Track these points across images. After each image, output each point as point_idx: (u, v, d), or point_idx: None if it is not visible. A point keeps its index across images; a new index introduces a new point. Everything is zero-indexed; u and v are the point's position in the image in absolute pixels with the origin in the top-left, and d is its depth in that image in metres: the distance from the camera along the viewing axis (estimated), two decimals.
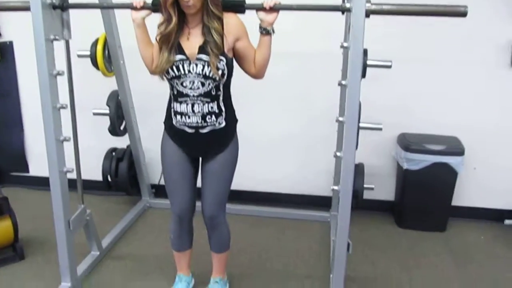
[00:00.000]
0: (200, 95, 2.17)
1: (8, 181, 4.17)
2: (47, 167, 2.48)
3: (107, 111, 3.31)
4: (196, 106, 2.19)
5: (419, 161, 3.25)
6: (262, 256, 3.08)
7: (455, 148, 3.26)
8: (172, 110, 2.26)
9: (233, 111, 2.32)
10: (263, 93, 3.49)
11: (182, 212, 2.45)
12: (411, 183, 3.37)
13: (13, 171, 4.19)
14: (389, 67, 2.48)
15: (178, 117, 2.24)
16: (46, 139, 2.45)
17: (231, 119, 2.30)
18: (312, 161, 3.68)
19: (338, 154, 2.28)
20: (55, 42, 2.37)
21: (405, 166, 3.29)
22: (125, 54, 3.19)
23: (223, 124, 2.25)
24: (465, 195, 3.54)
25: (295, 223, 3.52)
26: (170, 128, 2.32)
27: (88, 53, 2.95)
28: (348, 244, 2.38)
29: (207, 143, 2.28)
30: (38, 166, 4.12)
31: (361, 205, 3.26)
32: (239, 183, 3.54)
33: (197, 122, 2.21)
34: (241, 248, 3.12)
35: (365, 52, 2.31)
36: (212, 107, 2.20)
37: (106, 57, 3.05)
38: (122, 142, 3.62)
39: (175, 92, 2.21)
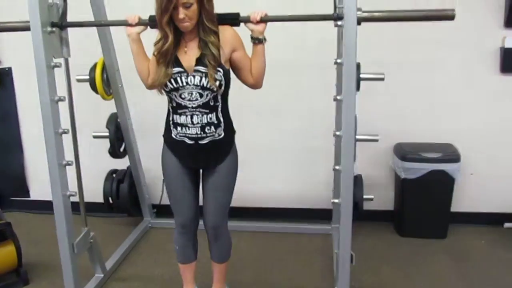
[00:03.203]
0: (198, 106, 2.21)
1: (10, 206, 4.16)
2: (49, 191, 2.51)
3: (107, 134, 3.34)
4: (195, 117, 2.22)
5: (416, 170, 3.30)
6: (265, 272, 3.10)
7: (451, 155, 3.31)
8: (172, 122, 2.30)
9: (231, 122, 2.37)
10: (259, 107, 3.56)
11: (185, 222, 2.47)
12: (409, 192, 3.41)
13: (14, 196, 4.20)
14: (382, 79, 2.51)
15: (179, 128, 2.27)
16: (49, 163, 2.49)
17: (230, 130, 2.34)
18: (311, 175, 3.71)
19: (337, 167, 2.32)
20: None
21: (403, 175, 3.34)
22: (122, 74, 3.21)
23: (222, 134, 2.29)
24: (464, 201, 3.58)
25: (297, 237, 3.54)
26: (169, 140, 2.35)
27: (87, 77, 2.96)
28: (352, 256, 2.41)
29: (207, 154, 2.32)
30: (39, 190, 4.13)
31: (361, 216, 3.29)
32: (237, 199, 3.56)
33: (196, 133, 2.25)
34: (244, 264, 3.15)
35: (358, 66, 2.35)
36: (211, 118, 2.24)
37: (104, 81, 3.08)
38: (122, 163, 3.65)
39: (174, 104, 2.25)
